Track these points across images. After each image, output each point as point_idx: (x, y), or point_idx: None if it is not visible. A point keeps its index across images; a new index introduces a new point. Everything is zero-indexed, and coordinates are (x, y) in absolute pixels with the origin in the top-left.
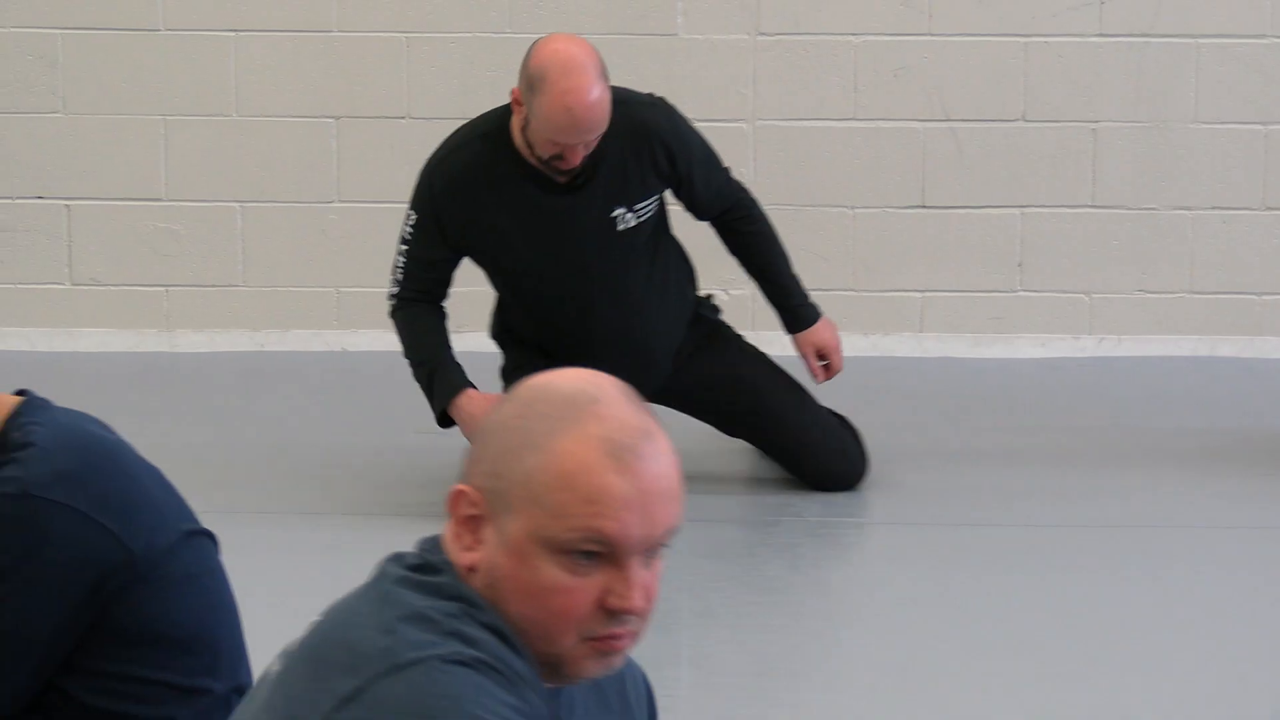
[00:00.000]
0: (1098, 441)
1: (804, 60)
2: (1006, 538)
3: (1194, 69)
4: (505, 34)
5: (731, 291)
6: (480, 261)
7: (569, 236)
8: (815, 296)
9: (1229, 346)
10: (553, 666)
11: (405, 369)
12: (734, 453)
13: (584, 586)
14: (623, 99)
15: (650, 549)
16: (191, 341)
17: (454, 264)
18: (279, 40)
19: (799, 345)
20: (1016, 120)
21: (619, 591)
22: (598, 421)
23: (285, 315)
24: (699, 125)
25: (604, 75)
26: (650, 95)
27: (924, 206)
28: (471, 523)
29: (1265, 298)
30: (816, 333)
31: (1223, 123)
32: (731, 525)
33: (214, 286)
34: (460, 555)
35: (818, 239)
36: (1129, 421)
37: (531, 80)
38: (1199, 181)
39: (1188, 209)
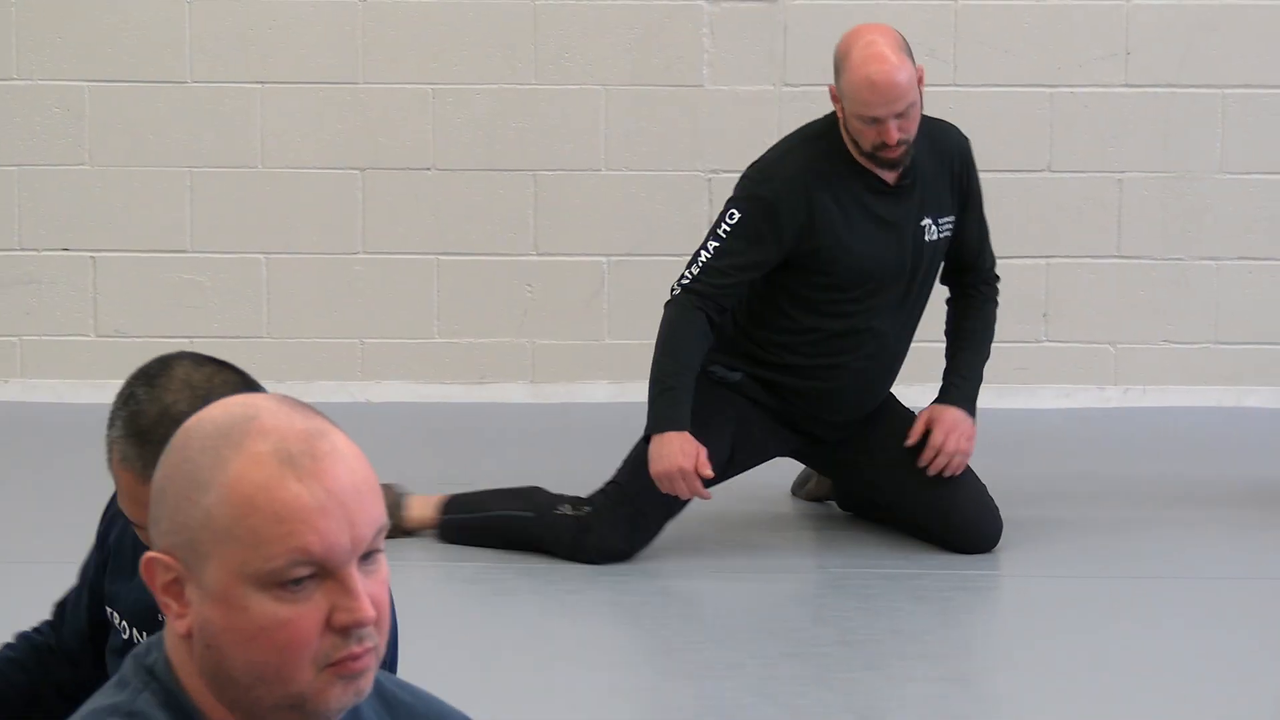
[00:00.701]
0: (1123, 493)
1: (829, 111)
2: (1026, 589)
3: (1220, 119)
4: (530, 85)
5: None
6: (810, 264)
7: (895, 241)
8: None
9: (1255, 397)
10: (299, 708)
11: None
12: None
13: (305, 614)
14: (931, 117)
15: (363, 553)
16: None
17: (764, 270)
18: (304, 92)
19: (922, 412)
20: (1042, 170)
21: (345, 606)
22: (261, 436)
23: (309, 366)
24: (724, 176)
25: (907, 51)
26: (946, 123)
27: None
28: (174, 588)
29: None
30: (945, 409)
31: (1249, 173)
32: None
33: (239, 338)
34: (174, 625)
35: None
36: (1154, 473)
37: (837, 65)
38: (1225, 232)
39: (1213, 259)
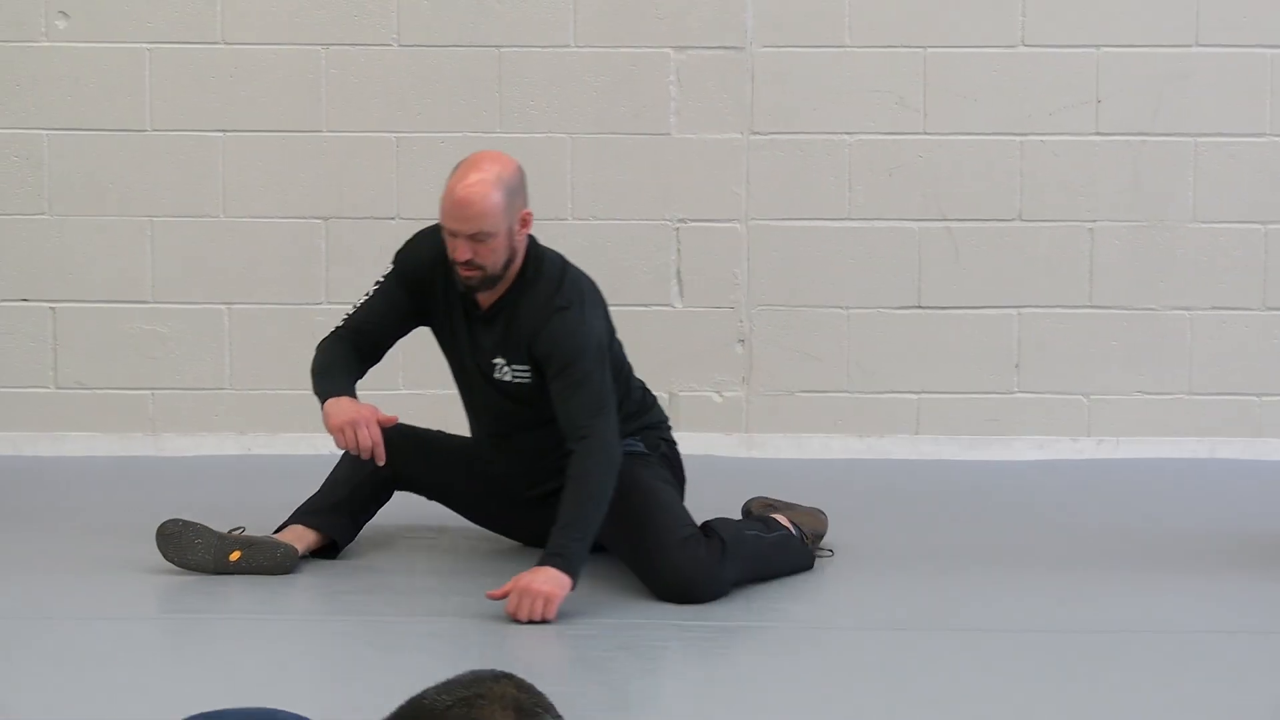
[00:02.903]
0: (1096, 545)
1: (798, 159)
2: (1000, 642)
3: (1192, 168)
4: (496, 134)
5: (724, 393)
6: (433, 331)
7: (466, 354)
8: (809, 398)
9: (1229, 449)
10: None
11: None
12: None
13: None
14: (542, 273)
15: None
16: (178, 445)
17: (405, 322)
18: (267, 141)
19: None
20: (1013, 219)
21: None
22: None
23: (273, 418)
24: (692, 225)
25: (504, 185)
26: (577, 290)
27: (920, 307)
28: None
29: (1265, 399)
30: (532, 572)
31: (1222, 221)
32: (720, 626)
33: (201, 389)
34: None
35: (811, 340)
36: (1128, 524)
37: None
38: (1198, 281)
39: (1186, 309)
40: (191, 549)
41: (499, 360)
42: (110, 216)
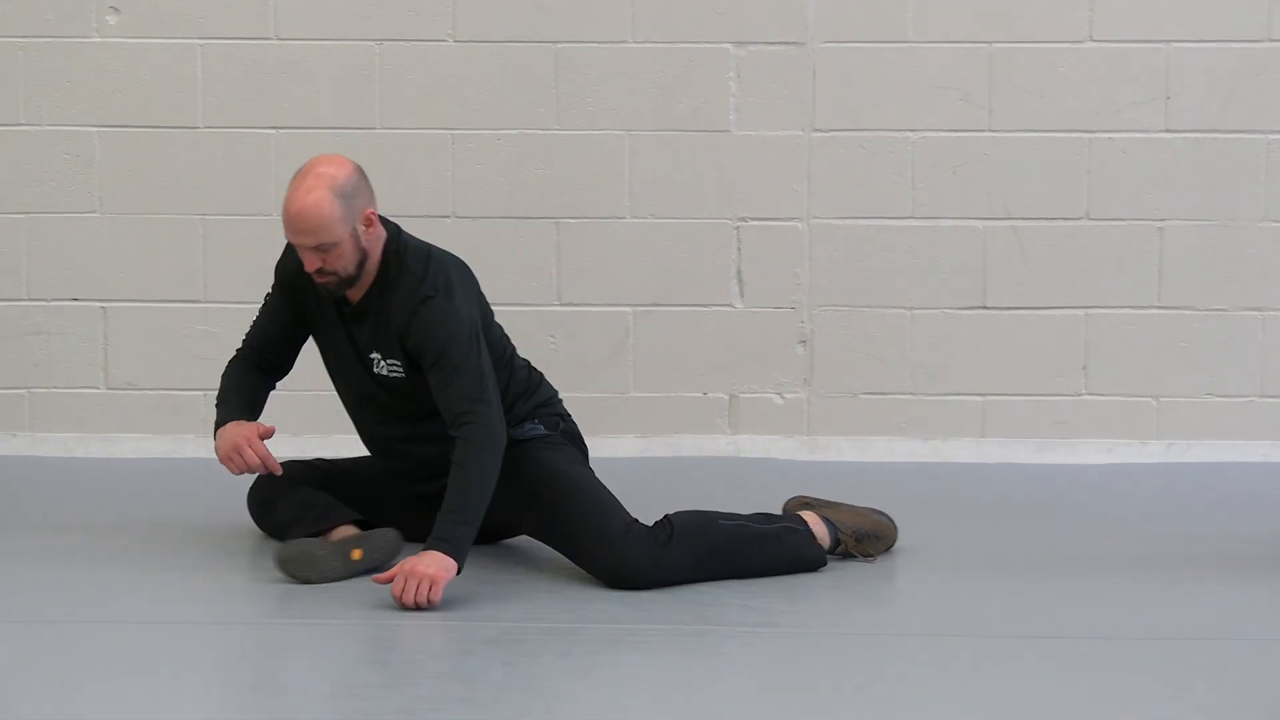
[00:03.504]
0: (1166, 550)
1: (860, 157)
2: (1067, 650)
3: (1263, 165)
4: (553, 130)
5: (786, 395)
6: (313, 335)
7: (343, 353)
8: (872, 400)
9: None
10: None
11: None
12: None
13: None
14: (405, 264)
15: None
16: None
17: (295, 330)
18: (320, 138)
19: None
20: (1080, 218)
21: None
22: None
23: (327, 419)
24: (753, 224)
25: (338, 191)
26: (443, 277)
27: (985, 307)
28: None
29: None
30: (419, 556)
31: None
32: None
33: None
34: None
35: (875, 341)
36: (1198, 530)
37: None
38: (1270, 281)
39: (1258, 309)
40: (320, 562)
41: (375, 355)
42: (162, 214)
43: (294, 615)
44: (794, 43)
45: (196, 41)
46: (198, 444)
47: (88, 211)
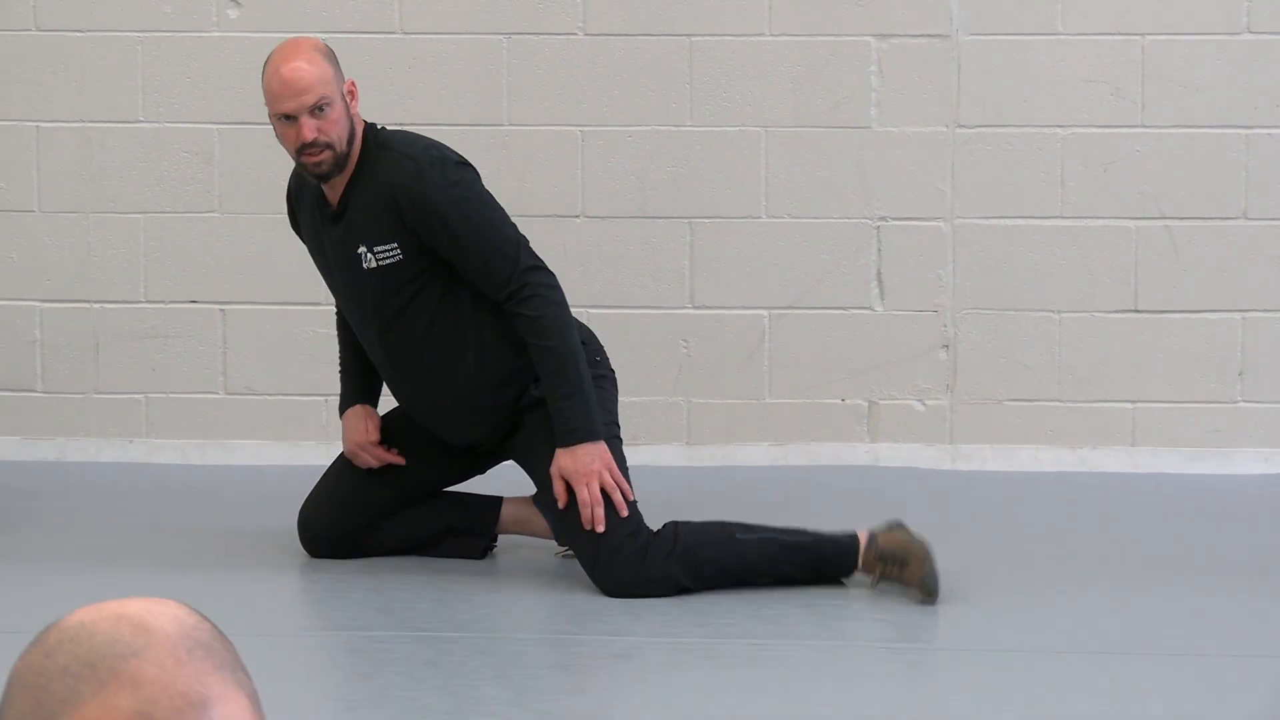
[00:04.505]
0: None
1: (1006, 154)
2: (1222, 668)
3: None
4: (686, 127)
5: (928, 402)
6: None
7: (334, 264)
8: (1017, 407)
9: None
10: None
11: None
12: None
13: None
14: (388, 145)
15: None
16: None
17: None
18: (446, 135)
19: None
20: (1237, 218)
21: None
22: (132, 688)
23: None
24: (894, 224)
25: (329, 59)
26: (438, 149)
27: (1136, 311)
28: None
29: None
30: (561, 456)
31: None
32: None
33: None
34: None
35: (1020, 345)
36: None
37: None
38: None
39: None
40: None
41: (361, 249)
42: (282, 214)
43: (413, 627)
44: (938, 35)
45: (319, 35)
46: (318, 450)
47: (206, 211)
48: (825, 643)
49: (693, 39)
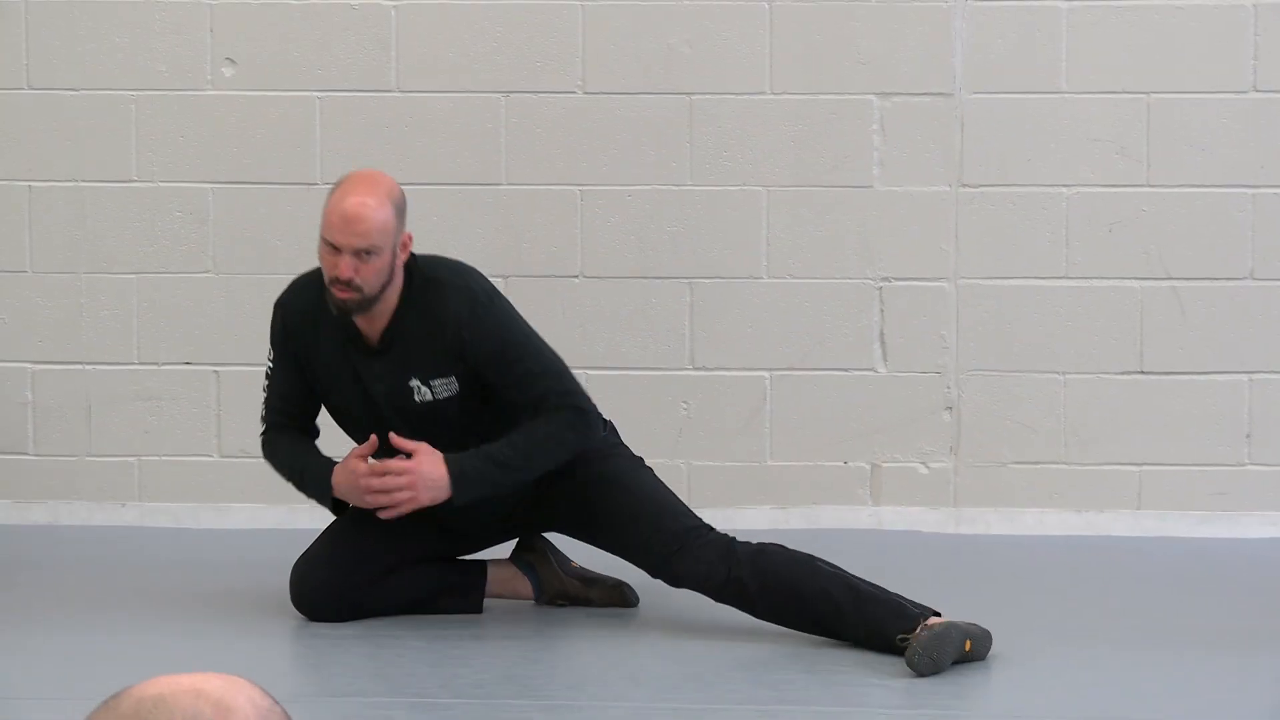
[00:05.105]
0: None
1: (1010, 213)
2: None
3: None
4: (686, 186)
5: (931, 465)
6: (321, 399)
7: (372, 396)
8: (1022, 470)
9: None
10: None
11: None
12: None
13: None
14: (437, 277)
15: None
16: None
17: (311, 395)
18: (443, 194)
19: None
20: (1244, 278)
21: None
22: None
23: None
24: (897, 284)
25: (394, 204)
26: (482, 280)
27: (1142, 372)
28: None
29: None
30: (433, 463)
31: None
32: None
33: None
34: None
35: (1025, 407)
36: None
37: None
38: None
39: None
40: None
41: (414, 382)
42: (278, 275)
43: (410, 693)
44: (941, 93)
45: (315, 94)
46: (313, 514)
47: (201, 271)
48: (831, 709)
49: (693, 98)
